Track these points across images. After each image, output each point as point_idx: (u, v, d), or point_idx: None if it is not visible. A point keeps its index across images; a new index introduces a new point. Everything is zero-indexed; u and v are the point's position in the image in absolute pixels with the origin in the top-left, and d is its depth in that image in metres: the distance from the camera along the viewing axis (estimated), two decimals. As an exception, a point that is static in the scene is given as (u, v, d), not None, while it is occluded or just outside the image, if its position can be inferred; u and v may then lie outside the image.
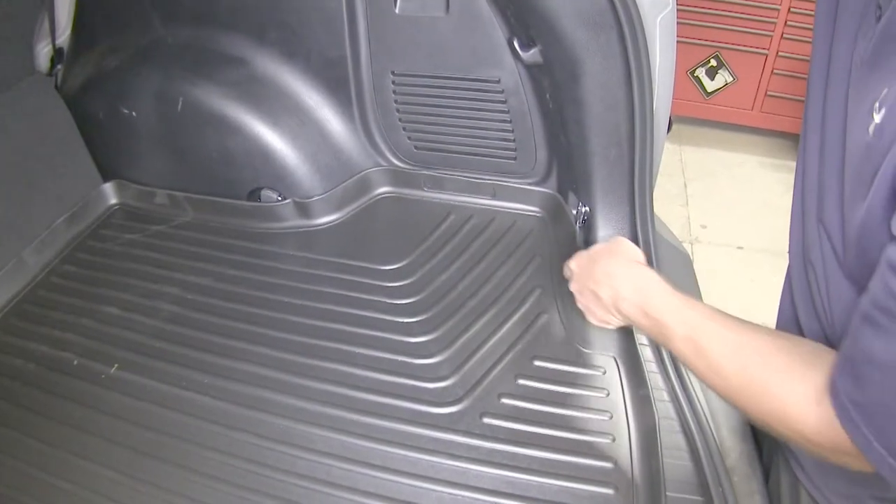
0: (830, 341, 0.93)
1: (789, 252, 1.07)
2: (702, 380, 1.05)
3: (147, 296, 1.80)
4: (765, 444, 1.30)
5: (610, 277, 1.38)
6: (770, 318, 1.16)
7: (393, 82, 1.90)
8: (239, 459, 1.40)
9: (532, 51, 1.65)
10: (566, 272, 1.58)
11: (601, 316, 1.46)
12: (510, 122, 1.86)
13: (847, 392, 0.76)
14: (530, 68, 1.73)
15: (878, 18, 0.77)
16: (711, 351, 1.01)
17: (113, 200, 2.19)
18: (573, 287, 1.53)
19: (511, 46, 1.71)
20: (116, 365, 1.60)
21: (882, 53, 0.75)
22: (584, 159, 1.65)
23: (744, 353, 0.96)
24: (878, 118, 0.71)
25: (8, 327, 1.74)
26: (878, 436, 0.72)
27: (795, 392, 0.86)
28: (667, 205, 3.65)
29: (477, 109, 1.88)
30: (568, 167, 1.79)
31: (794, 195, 1.04)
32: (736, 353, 0.98)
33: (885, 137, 0.69)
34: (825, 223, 0.91)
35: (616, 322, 1.44)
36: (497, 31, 1.72)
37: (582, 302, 1.51)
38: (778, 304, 1.14)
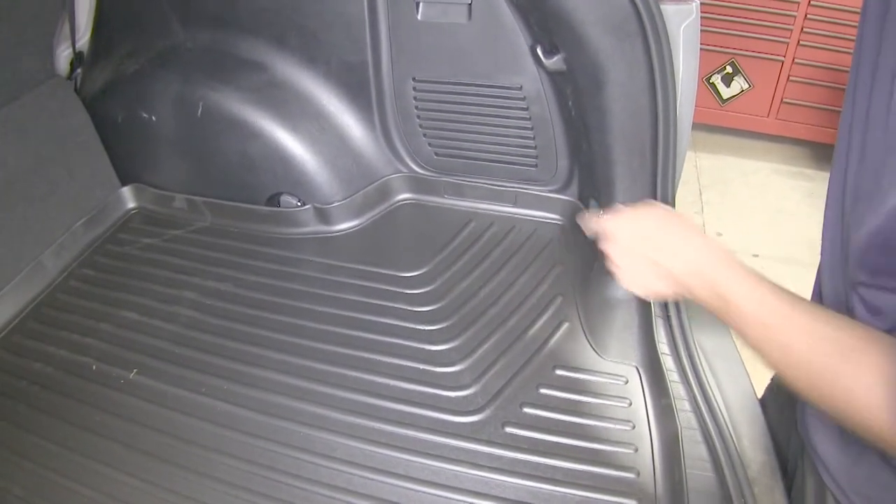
0: None
1: (822, 258, 1.06)
2: (772, 367, 0.98)
3: (166, 301, 1.80)
4: (791, 447, 1.29)
5: (675, 245, 1.18)
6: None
7: (414, 88, 1.90)
8: (258, 466, 1.39)
9: (555, 58, 1.64)
10: (589, 226, 1.33)
11: (652, 287, 1.22)
12: (531, 129, 1.85)
13: None
14: (553, 75, 1.72)
15: None
16: (790, 342, 0.93)
17: (131, 204, 2.19)
18: (612, 248, 1.26)
19: (534, 53, 1.70)
20: (136, 370, 1.60)
21: None
22: (607, 167, 1.64)
23: (825, 345, 0.89)
24: None
25: (27, 331, 1.74)
26: None
27: (879, 392, 0.81)
28: (682, 212, 3.62)
29: (498, 116, 1.87)
30: (589, 175, 1.78)
31: (830, 201, 1.02)
32: (816, 344, 0.90)
33: None
34: None
35: (665, 293, 1.21)
36: (519, 37, 1.71)
37: (623, 266, 1.25)
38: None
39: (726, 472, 1.27)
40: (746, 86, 3.94)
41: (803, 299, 0.95)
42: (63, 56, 2.12)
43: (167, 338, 1.69)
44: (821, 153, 4.03)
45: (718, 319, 1.10)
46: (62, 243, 1.95)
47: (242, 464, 1.39)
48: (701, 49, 1.66)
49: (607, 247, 1.27)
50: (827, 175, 1.03)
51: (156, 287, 1.85)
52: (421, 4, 1.75)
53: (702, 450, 1.34)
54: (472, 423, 1.45)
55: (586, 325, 1.65)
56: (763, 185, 3.92)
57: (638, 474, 1.34)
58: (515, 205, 2.02)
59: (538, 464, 1.37)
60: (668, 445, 1.38)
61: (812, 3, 3.57)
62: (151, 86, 2.03)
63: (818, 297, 1.09)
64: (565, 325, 1.66)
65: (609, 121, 1.57)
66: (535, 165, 1.94)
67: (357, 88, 1.95)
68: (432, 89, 1.89)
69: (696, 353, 1.49)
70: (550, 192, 1.98)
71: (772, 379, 1.42)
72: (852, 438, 1.01)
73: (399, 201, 2.11)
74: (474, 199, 2.06)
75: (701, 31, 1.63)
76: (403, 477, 1.35)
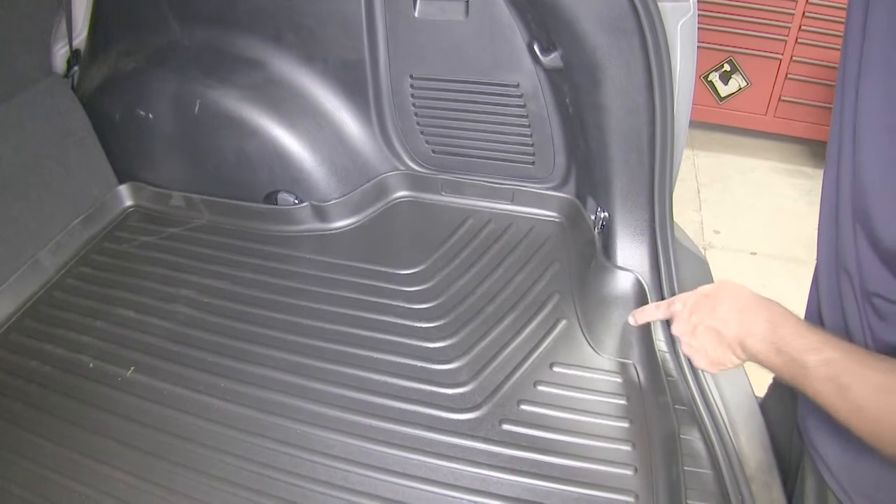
0: None
1: (818, 259, 1.06)
2: (843, 422, 0.95)
3: (163, 299, 1.80)
4: (791, 447, 1.29)
5: (739, 314, 1.18)
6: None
7: (411, 86, 1.90)
8: (255, 464, 1.39)
9: (552, 55, 1.64)
10: (655, 314, 1.39)
11: (717, 357, 1.23)
12: (529, 126, 1.85)
13: None
14: (550, 73, 1.72)
15: None
16: (856, 393, 0.92)
17: (129, 202, 2.19)
18: (681, 329, 1.29)
19: (531, 50, 1.70)
20: (133, 368, 1.59)
21: None
22: (604, 164, 1.64)
23: (892, 397, 0.89)
24: None
25: (24, 329, 1.74)
26: None
27: None
28: (680, 210, 3.63)
29: (495, 114, 1.87)
30: (587, 172, 1.78)
31: (823, 201, 1.02)
32: (883, 395, 0.90)
33: None
34: (870, 226, 0.88)
35: (733, 363, 1.22)
36: (517, 35, 1.71)
37: (693, 344, 1.27)
38: (799, 312, 1.12)
39: (724, 469, 1.28)
40: (744, 84, 3.94)
41: (870, 352, 0.93)
42: (60, 54, 2.12)
43: (164, 336, 1.69)
44: (819, 151, 4.03)
45: (788, 384, 1.07)
46: (59, 241, 1.94)
47: (240, 461, 1.39)
48: (699, 47, 1.66)
49: (675, 330, 1.29)
50: (825, 173, 1.03)
51: (153, 285, 1.85)
52: (418, 1, 1.75)
53: (699, 447, 1.34)
54: (469, 420, 1.45)
55: (584, 323, 1.65)
56: (761, 183, 3.92)
57: (635, 471, 1.34)
58: (513, 202, 2.03)
59: (536, 461, 1.37)
60: (665, 442, 1.37)
61: (810, 0, 3.58)
62: (148, 84, 2.02)
63: (815, 296, 1.09)
64: (563, 323, 1.66)
65: (606, 118, 1.57)
66: (533, 163, 1.94)
67: (354, 86, 1.95)
68: (430, 87, 1.89)
69: (693, 351, 1.49)
70: (548, 189, 1.98)
71: (774, 379, 1.42)
72: (853, 439, 1.00)
73: (396, 199, 2.11)
74: (471, 196, 2.06)
75: (699, 28, 1.63)
76: (401, 474, 1.35)
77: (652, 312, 1.37)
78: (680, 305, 1.29)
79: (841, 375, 0.93)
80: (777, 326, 1.07)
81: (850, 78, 0.91)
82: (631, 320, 1.44)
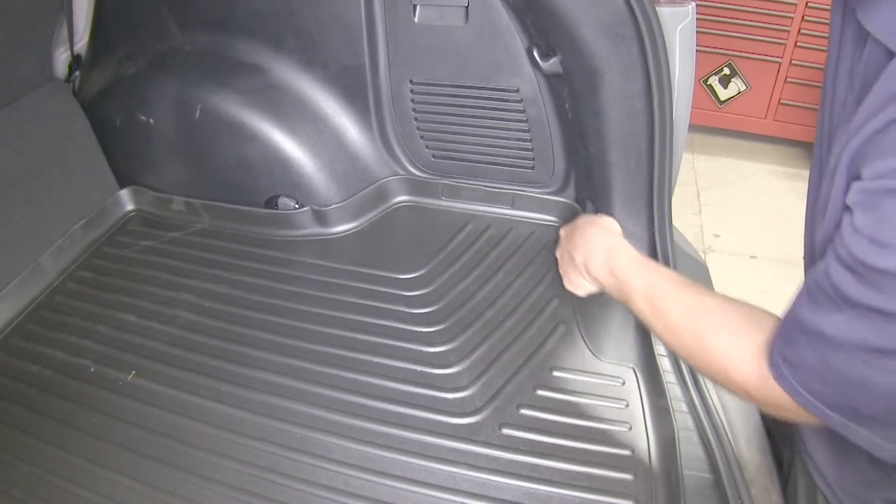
0: None
1: (804, 258, 1.07)
2: (658, 337, 1.20)
3: (164, 303, 1.80)
4: (784, 448, 1.30)
5: (586, 240, 1.50)
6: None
7: (411, 91, 1.90)
8: (255, 468, 1.39)
9: (552, 60, 1.65)
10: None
11: (574, 279, 1.55)
12: (528, 131, 1.86)
13: (780, 350, 0.86)
14: (549, 78, 1.72)
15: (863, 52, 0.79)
16: (667, 310, 1.13)
17: (129, 207, 2.19)
18: (557, 252, 1.66)
19: (530, 56, 1.71)
20: (133, 372, 1.60)
21: (864, 84, 0.78)
22: (603, 169, 1.64)
23: (696, 314, 1.07)
24: None
25: (25, 333, 1.74)
26: (804, 386, 0.83)
27: (738, 349, 0.96)
28: (680, 213, 3.64)
29: (495, 119, 1.87)
30: (586, 177, 1.78)
31: (807, 203, 1.04)
32: (689, 312, 1.08)
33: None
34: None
35: (585, 287, 1.53)
36: (516, 40, 1.72)
37: (562, 266, 1.62)
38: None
39: (723, 472, 1.28)
40: (744, 87, 3.95)
41: (687, 281, 1.17)
42: (61, 59, 2.13)
43: (165, 340, 1.69)
44: (818, 154, 4.03)
45: (616, 299, 1.37)
46: (60, 246, 1.95)
47: (240, 465, 1.40)
48: (698, 51, 1.66)
49: (556, 252, 1.67)
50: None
51: (154, 289, 1.85)
52: (418, 7, 1.76)
53: (698, 451, 1.35)
54: (469, 425, 1.45)
55: (583, 327, 1.65)
56: (761, 186, 3.93)
57: (635, 475, 1.34)
58: (513, 207, 2.03)
59: (535, 465, 1.37)
60: (664, 446, 1.38)
61: (809, 4, 3.59)
62: (149, 88, 2.03)
63: None
64: (562, 327, 1.66)
65: (605, 123, 1.57)
66: (533, 168, 1.94)
67: (354, 91, 1.95)
68: (429, 92, 1.90)
69: (692, 355, 1.49)
70: (547, 194, 1.99)
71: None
72: (841, 439, 1.02)
73: (396, 203, 2.11)
74: (471, 201, 2.06)
75: (698, 32, 1.64)
76: (401, 478, 1.36)
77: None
78: (561, 232, 1.67)
79: (656, 295, 1.17)
80: (613, 253, 1.40)
81: (829, 83, 0.94)
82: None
